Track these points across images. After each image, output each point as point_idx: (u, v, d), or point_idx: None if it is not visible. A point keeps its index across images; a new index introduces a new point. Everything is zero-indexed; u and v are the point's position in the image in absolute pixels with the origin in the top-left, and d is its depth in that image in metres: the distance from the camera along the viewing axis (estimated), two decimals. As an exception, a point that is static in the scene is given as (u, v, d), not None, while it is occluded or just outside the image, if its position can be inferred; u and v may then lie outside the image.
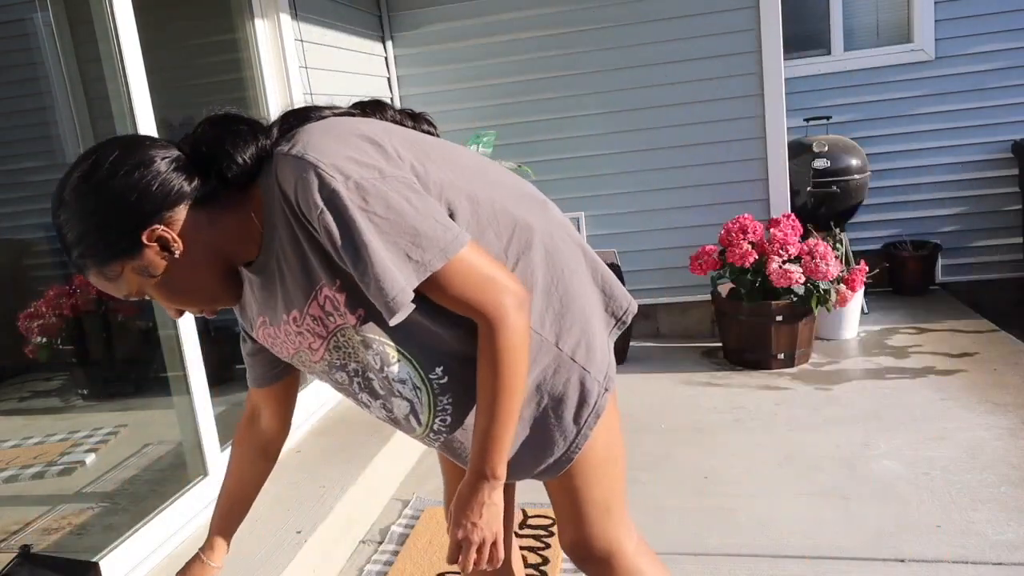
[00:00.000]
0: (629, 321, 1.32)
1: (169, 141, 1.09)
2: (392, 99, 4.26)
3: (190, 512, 2.27)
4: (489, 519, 1.13)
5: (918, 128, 4.73)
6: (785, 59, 4.01)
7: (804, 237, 3.73)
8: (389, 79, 4.24)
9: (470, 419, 1.21)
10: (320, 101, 3.33)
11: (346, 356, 1.18)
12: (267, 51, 3.07)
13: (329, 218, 1.00)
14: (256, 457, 1.40)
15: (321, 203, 1.00)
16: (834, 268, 3.54)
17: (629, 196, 4.22)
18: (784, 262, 3.59)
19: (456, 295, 1.06)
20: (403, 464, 2.93)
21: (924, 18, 4.62)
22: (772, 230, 3.69)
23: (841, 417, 3.12)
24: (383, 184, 1.03)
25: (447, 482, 1.58)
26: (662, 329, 4.41)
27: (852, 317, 4.08)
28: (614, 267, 4.02)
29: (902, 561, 2.14)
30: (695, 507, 2.53)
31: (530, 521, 2.51)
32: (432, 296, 1.07)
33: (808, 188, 4.29)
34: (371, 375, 1.18)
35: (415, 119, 1.27)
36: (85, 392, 2.89)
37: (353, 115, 1.19)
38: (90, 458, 2.59)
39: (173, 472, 2.53)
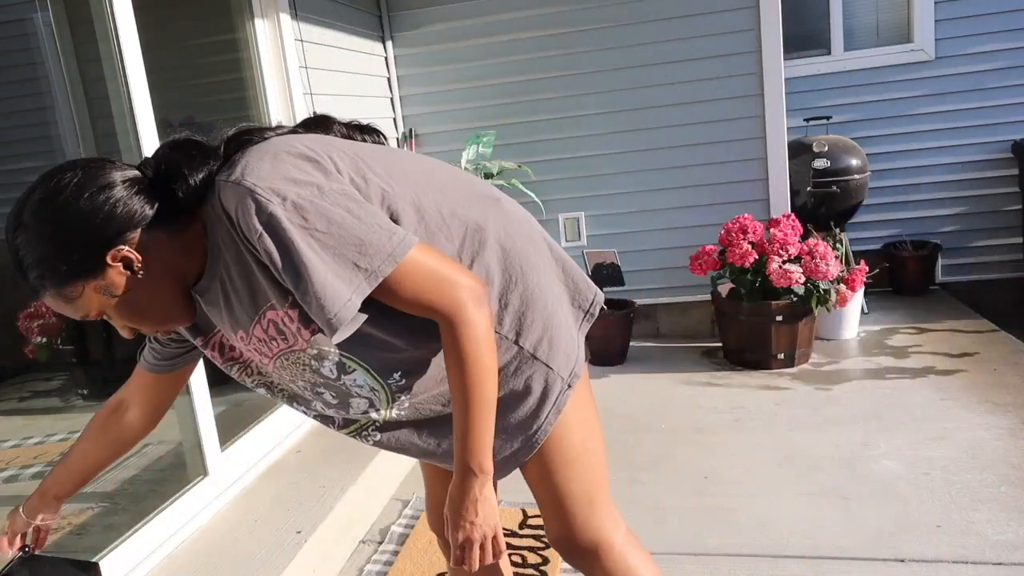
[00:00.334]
0: (597, 312, 1.33)
1: (127, 164, 1.11)
2: (392, 99, 4.26)
3: (190, 512, 2.27)
4: (485, 514, 1.14)
5: (918, 128, 4.72)
6: (785, 59, 4.01)
7: (804, 237, 3.73)
8: (389, 79, 4.24)
9: (427, 407, 1.24)
10: (320, 101, 3.34)
11: (295, 373, 1.19)
12: (267, 51, 3.07)
13: (268, 241, 1.01)
14: (111, 446, 1.36)
15: (259, 227, 1.01)
16: (834, 268, 3.54)
17: (629, 196, 4.22)
18: (784, 262, 3.59)
19: (410, 297, 1.07)
20: (403, 464, 2.93)
21: (924, 18, 4.62)
22: (772, 230, 3.69)
23: (841, 417, 3.12)
24: (322, 200, 1.04)
25: (428, 485, 1.58)
26: (662, 329, 4.41)
27: (852, 317, 4.08)
28: (614, 267, 4.03)
29: (902, 561, 2.14)
30: (695, 507, 2.53)
31: (530, 521, 2.52)
32: (388, 301, 1.08)
33: (808, 188, 4.29)
34: (322, 388, 1.20)
35: (361, 131, 1.29)
36: (85, 392, 2.89)
37: (297, 133, 1.20)
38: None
39: (173, 472, 2.53)
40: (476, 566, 1.15)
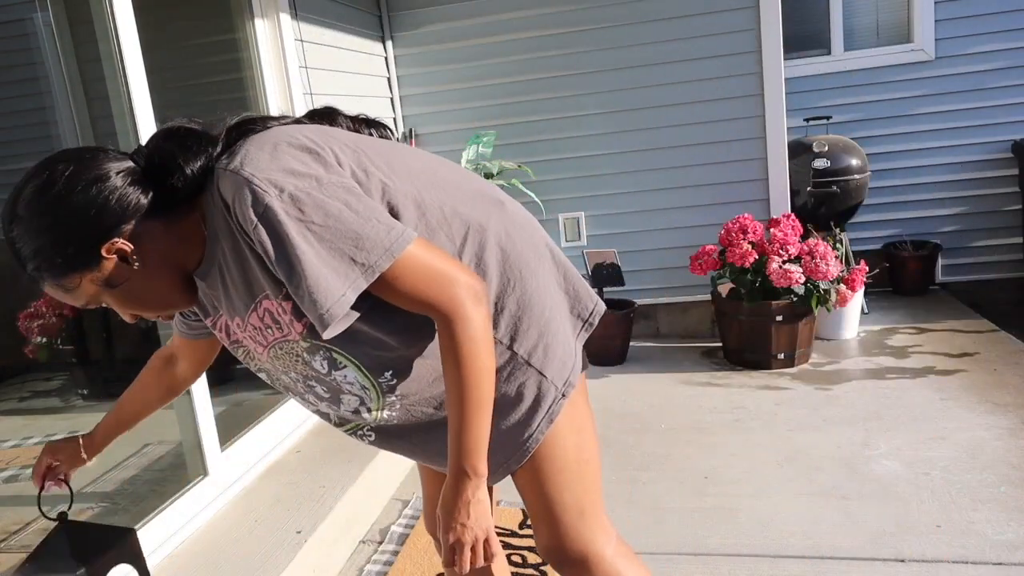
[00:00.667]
0: (596, 322, 1.31)
1: (123, 153, 1.10)
2: (392, 99, 4.26)
3: (190, 512, 2.27)
4: (477, 517, 1.12)
5: (918, 128, 4.73)
6: (785, 59, 4.01)
7: (804, 237, 3.73)
8: (389, 79, 4.24)
9: (418, 408, 1.23)
10: (320, 101, 3.34)
11: (288, 364, 1.19)
12: (267, 51, 3.07)
13: (263, 232, 1.00)
14: (163, 393, 1.46)
15: (255, 218, 1.00)
16: (834, 268, 3.54)
17: (629, 196, 4.22)
18: (784, 262, 3.59)
19: (407, 293, 1.06)
20: (403, 464, 2.92)
21: (924, 18, 4.62)
22: (772, 230, 3.69)
23: (841, 417, 3.12)
24: (320, 192, 1.02)
25: (424, 485, 1.58)
26: (662, 329, 4.41)
27: (852, 317, 4.08)
28: (614, 267, 4.03)
29: (902, 561, 2.14)
30: (695, 507, 2.53)
31: (530, 521, 2.51)
32: (385, 296, 1.07)
33: (808, 188, 4.29)
34: (313, 382, 1.20)
35: (368, 124, 1.27)
36: (85, 392, 2.89)
37: (302, 123, 1.19)
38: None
39: (173, 472, 2.53)
40: (467, 568, 1.13)
